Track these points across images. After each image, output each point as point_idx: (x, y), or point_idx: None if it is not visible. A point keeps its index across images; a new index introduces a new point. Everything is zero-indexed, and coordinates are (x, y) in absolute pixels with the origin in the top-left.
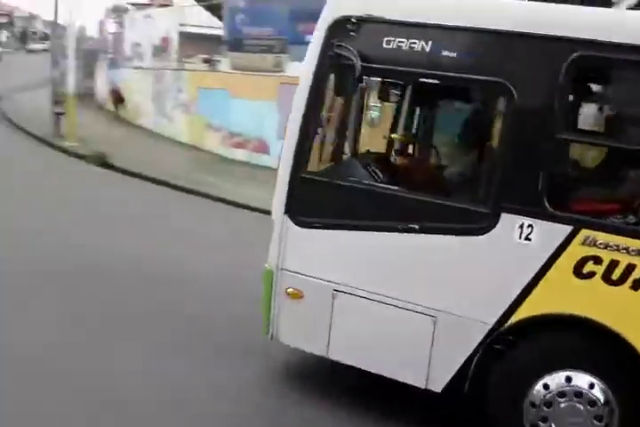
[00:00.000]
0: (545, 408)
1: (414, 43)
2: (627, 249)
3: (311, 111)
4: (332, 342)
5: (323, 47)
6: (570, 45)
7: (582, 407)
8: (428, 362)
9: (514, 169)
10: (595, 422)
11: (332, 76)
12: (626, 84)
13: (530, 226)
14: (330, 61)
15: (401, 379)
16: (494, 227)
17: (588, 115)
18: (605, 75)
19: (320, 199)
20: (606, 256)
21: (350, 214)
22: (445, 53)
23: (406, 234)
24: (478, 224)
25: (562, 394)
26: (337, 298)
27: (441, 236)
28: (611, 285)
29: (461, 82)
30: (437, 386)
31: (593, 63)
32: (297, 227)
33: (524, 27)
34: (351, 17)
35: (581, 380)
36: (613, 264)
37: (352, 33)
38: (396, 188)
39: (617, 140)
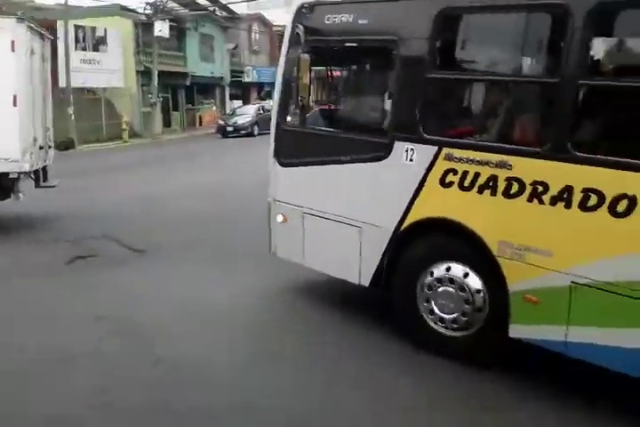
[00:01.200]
0: (427, 291)
1: (343, 17)
2: (473, 161)
3: (285, 81)
4: (305, 252)
5: (291, 29)
6: (436, 2)
7: (454, 291)
8: (359, 263)
9: (400, 106)
10: (464, 305)
11: (297, 52)
12: (482, 29)
13: (412, 149)
14: (295, 40)
15: (344, 277)
16: (390, 153)
17: (459, 58)
18: (467, 23)
19: (293, 144)
20: (459, 168)
21: (309, 154)
22: (361, 22)
23: (341, 165)
24: (382, 152)
25: (439, 280)
26: (305, 219)
27: (361, 164)
28: (463, 191)
29: (370, 43)
30: (365, 281)
31: (455, 14)
32: (280, 167)
33: None
34: (306, 3)
35: (457, 269)
36: (464, 174)
37: (307, 16)
38: (333, 130)
39: (471, 76)
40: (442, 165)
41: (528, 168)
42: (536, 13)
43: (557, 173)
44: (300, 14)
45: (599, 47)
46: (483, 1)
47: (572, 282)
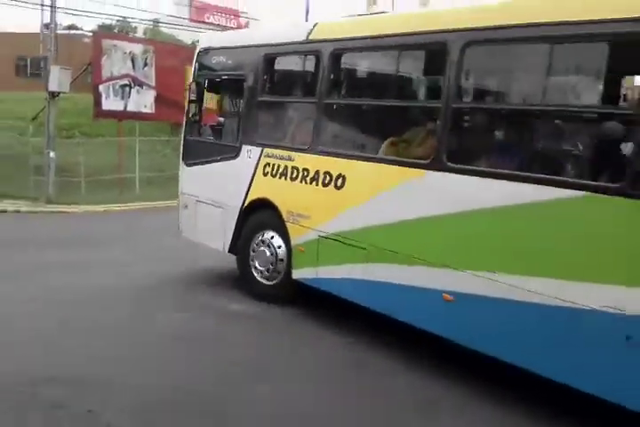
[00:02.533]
0: (253, 252)
1: (221, 58)
2: (276, 156)
3: (189, 103)
4: (196, 231)
5: (193, 66)
6: (262, 50)
7: (266, 250)
8: (223, 235)
9: (245, 121)
10: (271, 257)
11: (195, 82)
12: (286, 67)
13: (250, 150)
14: (195, 73)
15: (216, 247)
16: (239, 153)
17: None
18: (278, 62)
19: (192, 150)
20: (271, 161)
21: (199, 156)
22: (229, 62)
23: (214, 163)
24: (235, 153)
25: (259, 243)
26: (197, 205)
27: (224, 161)
28: (272, 177)
29: (232, 76)
30: (226, 249)
31: (272, 57)
32: (186, 166)
33: (246, 42)
34: (202, 48)
35: (268, 234)
36: (273, 166)
37: (202, 56)
38: (213, 139)
39: (279, 99)
40: (263, 161)
41: (301, 160)
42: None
43: (313, 162)
44: (199, 55)
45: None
46: (286, 49)
47: (318, 235)
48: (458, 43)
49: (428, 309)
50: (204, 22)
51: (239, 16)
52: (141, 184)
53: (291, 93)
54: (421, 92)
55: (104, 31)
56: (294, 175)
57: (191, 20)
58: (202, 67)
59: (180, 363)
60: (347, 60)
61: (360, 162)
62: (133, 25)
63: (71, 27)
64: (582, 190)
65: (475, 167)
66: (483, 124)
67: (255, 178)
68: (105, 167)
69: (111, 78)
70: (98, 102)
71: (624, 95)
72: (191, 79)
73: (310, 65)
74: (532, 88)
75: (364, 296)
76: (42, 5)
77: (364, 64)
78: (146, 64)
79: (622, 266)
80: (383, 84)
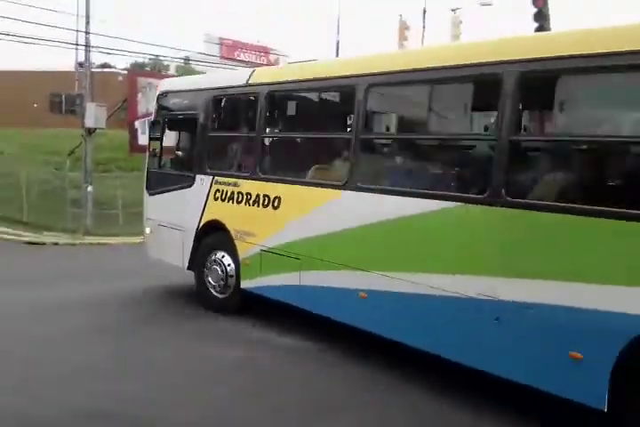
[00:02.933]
0: (207, 270)
1: (177, 100)
2: (224, 183)
3: (150, 140)
4: (159, 251)
5: (154, 107)
6: (211, 92)
7: (218, 267)
8: (182, 254)
9: (198, 153)
10: (226, 275)
11: (156, 121)
12: (231, 107)
13: (202, 179)
14: (156, 113)
15: (177, 264)
16: (194, 182)
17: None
18: (225, 103)
19: (154, 180)
20: (221, 188)
21: (161, 185)
22: (184, 103)
23: (174, 191)
24: (190, 182)
25: (212, 261)
26: (159, 228)
27: (183, 189)
28: (222, 201)
29: (186, 115)
30: (185, 266)
31: (219, 98)
32: (149, 195)
33: (198, 86)
34: (161, 91)
35: (219, 254)
36: (222, 191)
37: (162, 98)
38: (171, 170)
39: (225, 133)
40: (214, 187)
41: (245, 185)
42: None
43: (254, 187)
44: (158, 98)
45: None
46: (230, 91)
47: (260, 250)
48: (362, 85)
49: (348, 305)
50: (234, 59)
51: (269, 53)
52: None
53: (235, 129)
54: (337, 126)
55: (137, 69)
56: (240, 199)
57: (222, 57)
58: (161, 108)
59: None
60: (278, 101)
61: (292, 185)
62: (165, 63)
63: (104, 65)
64: (459, 202)
65: (377, 186)
66: (383, 151)
67: (208, 203)
68: (140, 200)
69: (146, 114)
70: (134, 137)
71: (486, 125)
72: (152, 117)
73: (250, 105)
74: (418, 122)
75: (300, 299)
76: (77, 44)
77: (292, 103)
78: None
79: (494, 260)
80: (308, 120)
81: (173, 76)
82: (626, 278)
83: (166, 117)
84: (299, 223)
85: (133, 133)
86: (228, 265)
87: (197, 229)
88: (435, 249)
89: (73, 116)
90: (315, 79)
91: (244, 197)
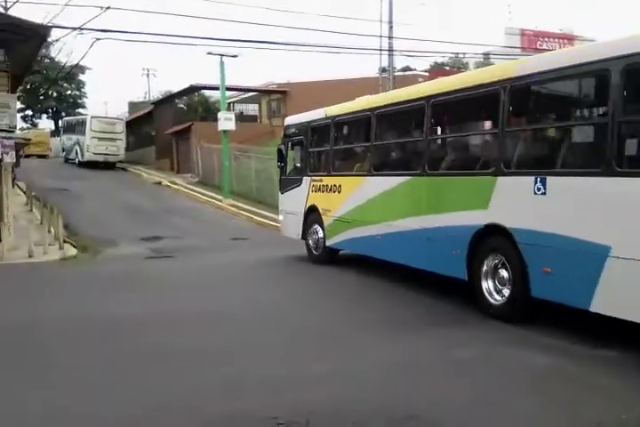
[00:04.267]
0: (309, 236)
1: (292, 129)
2: (316, 180)
3: (279, 158)
4: (286, 230)
5: (283, 137)
6: (308, 124)
7: (315, 235)
8: (298, 229)
9: (303, 163)
10: (317, 238)
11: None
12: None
13: (306, 179)
14: (282, 139)
15: (296, 237)
16: (302, 182)
17: None
18: (315, 130)
19: (282, 183)
20: (314, 183)
21: (286, 186)
22: (296, 131)
23: (292, 189)
24: (300, 182)
25: (311, 232)
26: (285, 215)
27: (296, 187)
28: (315, 192)
29: (297, 140)
30: (299, 237)
31: (313, 127)
32: (280, 194)
33: (301, 120)
34: (288, 126)
35: (315, 226)
36: (315, 186)
37: (286, 129)
38: (291, 176)
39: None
40: (311, 184)
41: (324, 180)
42: None
43: (329, 181)
44: (285, 129)
45: None
46: (317, 122)
47: (333, 220)
48: (372, 114)
49: (372, 245)
50: (536, 49)
51: (573, 40)
52: None
53: (320, 146)
54: (363, 141)
55: (437, 69)
56: (323, 189)
57: (523, 48)
58: (285, 135)
59: None
60: (340, 126)
61: (346, 177)
62: (464, 60)
63: (406, 68)
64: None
65: (380, 172)
66: (375, 153)
67: (309, 194)
68: None
69: None
70: None
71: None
72: (281, 141)
73: (326, 130)
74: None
75: (348, 246)
76: (380, 50)
77: (347, 128)
78: None
79: (423, 206)
80: (353, 138)
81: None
82: (464, 207)
83: (287, 142)
84: (348, 200)
85: None
86: (319, 233)
87: (305, 212)
88: (405, 203)
89: None
90: (351, 112)
91: (324, 187)
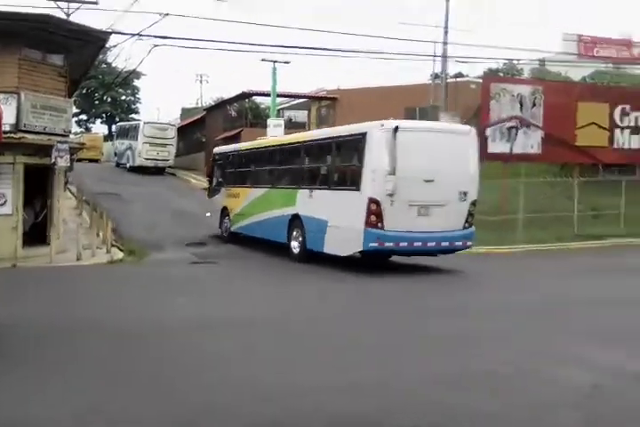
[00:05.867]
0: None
1: (219, 158)
2: (228, 189)
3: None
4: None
5: (212, 160)
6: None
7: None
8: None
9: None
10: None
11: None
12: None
13: (223, 188)
14: (212, 161)
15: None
16: (222, 190)
17: None
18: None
19: (212, 191)
20: (227, 192)
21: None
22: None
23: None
24: (221, 191)
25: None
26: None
27: (219, 193)
28: (228, 197)
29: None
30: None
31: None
32: (208, 198)
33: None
34: (215, 154)
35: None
36: (227, 193)
37: (216, 157)
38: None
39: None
40: (225, 191)
41: (232, 189)
42: None
43: (232, 190)
44: (215, 156)
45: None
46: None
47: (234, 214)
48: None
49: (251, 228)
50: (593, 57)
51: (631, 46)
52: (523, 226)
53: (232, 168)
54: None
55: (490, 75)
56: (230, 195)
57: (580, 55)
58: (213, 160)
59: None
60: (245, 156)
61: (241, 188)
62: (519, 66)
63: (458, 75)
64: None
65: (260, 185)
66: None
67: (223, 199)
68: (488, 209)
69: (498, 121)
70: (484, 146)
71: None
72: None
73: (236, 158)
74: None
75: (243, 230)
76: (434, 56)
77: (247, 158)
78: (534, 105)
79: (272, 204)
80: (248, 164)
81: (531, 79)
82: (287, 205)
83: (213, 164)
84: (242, 202)
85: (484, 141)
86: (227, 223)
87: (221, 210)
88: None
89: None
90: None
91: (231, 194)
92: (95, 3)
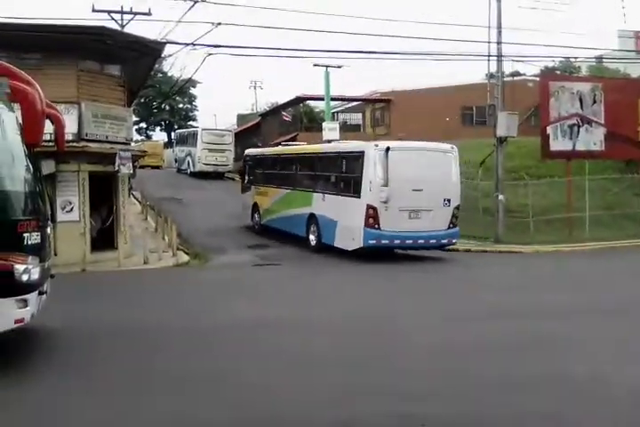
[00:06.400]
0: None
1: (250, 159)
2: (259, 188)
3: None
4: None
5: (243, 161)
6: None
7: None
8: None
9: (253, 176)
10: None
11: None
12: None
13: (253, 186)
14: (243, 162)
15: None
16: (252, 188)
17: None
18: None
19: (243, 188)
20: (257, 190)
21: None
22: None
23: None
24: (252, 188)
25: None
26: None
27: (250, 190)
28: (257, 195)
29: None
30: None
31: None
32: (241, 194)
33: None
34: (246, 154)
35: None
36: (257, 191)
37: (247, 158)
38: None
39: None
40: (254, 189)
41: (261, 188)
42: None
43: (262, 188)
44: (245, 157)
45: None
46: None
47: (264, 210)
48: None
49: (278, 222)
50: None
51: None
52: (590, 224)
53: (261, 169)
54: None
55: (547, 73)
56: (260, 193)
57: (638, 51)
58: (244, 161)
59: None
60: (272, 159)
61: (270, 188)
62: (576, 64)
63: (514, 73)
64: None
65: (286, 186)
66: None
67: (254, 196)
68: (552, 207)
69: (559, 119)
70: (546, 144)
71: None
72: (243, 164)
73: (265, 161)
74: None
75: (271, 224)
76: (488, 56)
77: (274, 161)
78: (594, 101)
79: (294, 204)
80: (276, 167)
81: (590, 77)
82: (305, 204)
83: (245, 164)
84: (270, 199)
85: (545, 140)
86: (257, 217)
87: (252, 206)
88: (287, 203)
89: (483, 128)
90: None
91: (261, 192)
92: (148, 14)
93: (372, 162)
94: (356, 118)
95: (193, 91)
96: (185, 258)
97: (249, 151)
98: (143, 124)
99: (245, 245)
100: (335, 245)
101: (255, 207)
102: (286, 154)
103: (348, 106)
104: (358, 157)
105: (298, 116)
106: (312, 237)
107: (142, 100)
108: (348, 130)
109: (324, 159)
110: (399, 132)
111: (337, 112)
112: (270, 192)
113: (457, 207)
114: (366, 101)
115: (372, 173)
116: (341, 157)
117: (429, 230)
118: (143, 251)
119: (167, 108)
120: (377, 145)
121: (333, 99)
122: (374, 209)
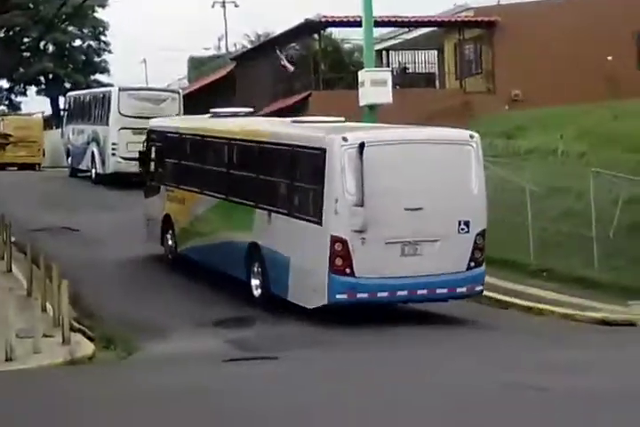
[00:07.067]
0: None
1: (161, 142)
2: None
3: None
4: None
5: (145, 140)
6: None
7: None
8: None
9: None
10: None
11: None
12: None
13: None
14: (147, 145)
15: None
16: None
17: None
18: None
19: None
20: None
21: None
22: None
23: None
24: None
25: None
26: None
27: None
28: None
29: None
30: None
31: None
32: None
33: None
34: (151, 129)
35: None
36: None
37: (152, 135)
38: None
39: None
40: None
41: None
42: None
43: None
44: (149, 131)
45: None
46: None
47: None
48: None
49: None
50: None
51: None
52: None
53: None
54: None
55: None
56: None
57: None
58: (148, 137)
59: None
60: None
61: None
62: None
63: None
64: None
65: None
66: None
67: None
68: None
69: None
70: None
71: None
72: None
73: None
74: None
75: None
76: None
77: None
78: None
79: (242, 225)
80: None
81: None
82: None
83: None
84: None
85: None
86: None
87: None
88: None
89: None
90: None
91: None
92: None
93: (337, 167)
94: (424, 62)
95: (101, 14)
96: (88, 348)
97: (156, 123)
98: (4, 83)
99: (208, 319)
100: (289, 298)
101: (167, 223)
102: (217, 135)
103: (408, 37)
104: (317, 156)
105: (310, 58)
106: (255, 281)
107: (1, 35)
108: (410, 84)
109: (272, 153)
110: (511, 86)
111: (387, 50)
112: (191, 199)
113: (481, 234)
114: (446, 26)
115: (338, 184)
116: (292, 154)
117: (436, 273)
118: (3, 336)
119: (51, 48)
120: (345, 139)
121: (378, 24)
122: (343, 243)
